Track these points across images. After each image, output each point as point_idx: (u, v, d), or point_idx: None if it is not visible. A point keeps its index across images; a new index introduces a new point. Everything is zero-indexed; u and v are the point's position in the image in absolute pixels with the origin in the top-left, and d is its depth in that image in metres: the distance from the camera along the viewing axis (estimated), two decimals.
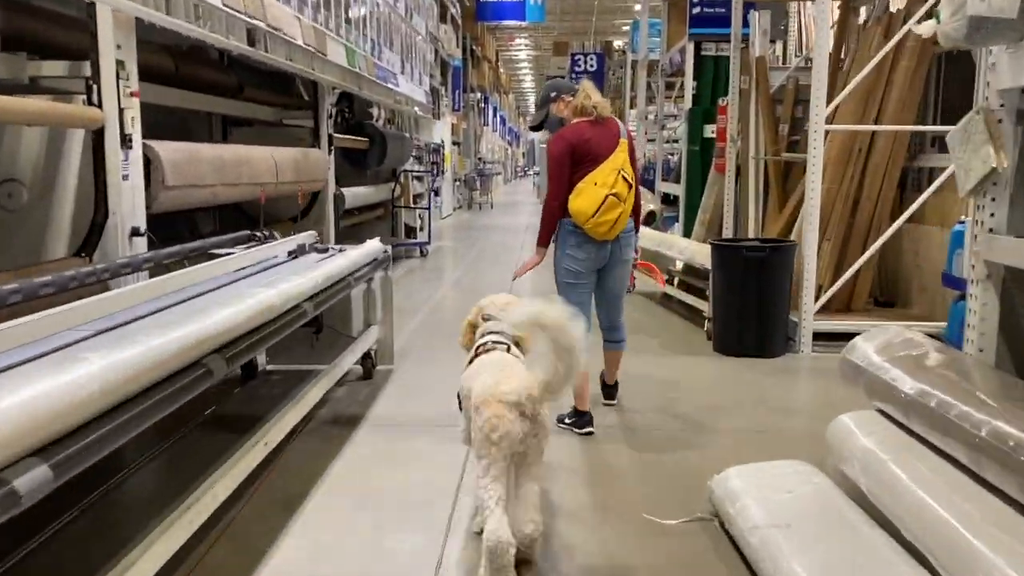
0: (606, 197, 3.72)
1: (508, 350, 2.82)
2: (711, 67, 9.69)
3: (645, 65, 14.87)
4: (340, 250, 4.81)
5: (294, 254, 4.59)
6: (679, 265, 7.67)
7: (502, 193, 33.06)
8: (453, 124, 20.72)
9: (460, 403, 2.84)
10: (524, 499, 2.50)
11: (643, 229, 8.30)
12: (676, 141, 13.21)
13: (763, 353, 5.26)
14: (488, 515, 2.37)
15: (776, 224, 6.89)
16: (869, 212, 5.93)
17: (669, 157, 12.15)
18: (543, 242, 3.94)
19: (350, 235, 11.39)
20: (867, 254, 5.54)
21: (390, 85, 8.91)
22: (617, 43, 24.35)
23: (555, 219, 3.88)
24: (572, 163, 3.81)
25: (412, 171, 12.34)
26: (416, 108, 10.68)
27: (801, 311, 5.38)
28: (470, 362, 2.87)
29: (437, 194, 17.75)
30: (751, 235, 7.20)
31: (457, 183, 21.96)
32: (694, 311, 6.51)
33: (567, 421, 4.00)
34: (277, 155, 6.66)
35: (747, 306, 5.22)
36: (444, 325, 6.56)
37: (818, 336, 5.44)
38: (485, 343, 2.87)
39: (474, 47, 24.35)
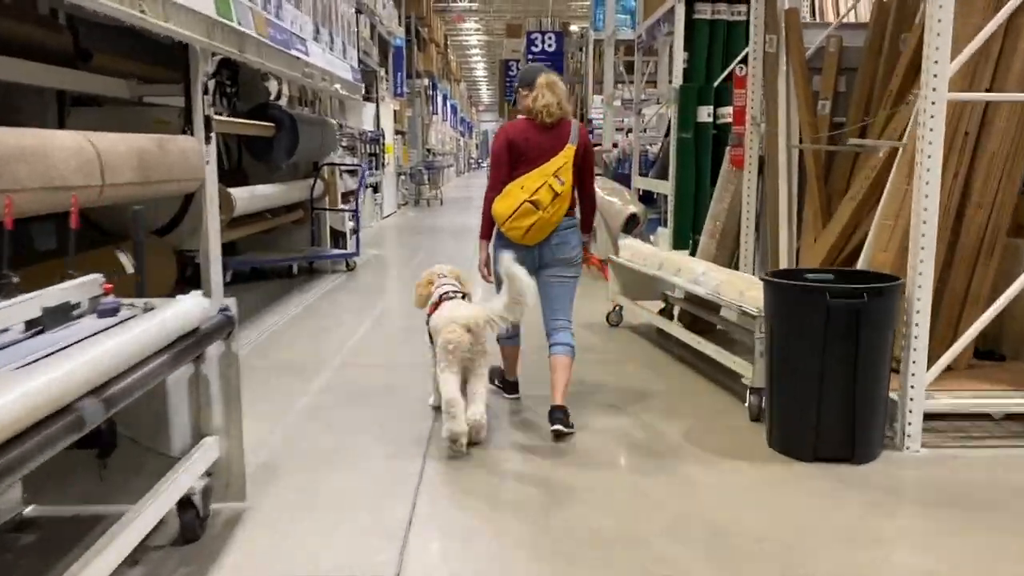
0: (522, 203, 3.73)
1: (463, 297, 3.92)
2: (705, 34, 7.75)
3: (612, 43, 13.01)
4: (146, 308, 2.72)
5: (37, 325, 2.47)
6: (677, 290, 5.70)
7: (454, 187, 30.83)
8: (396, 111, 18.51)
9: (431, 336, 3.85)
10: (474, 396, 3.61)
11: (629, 241, 6.35)
12: (644, 131, 11.35)
13: (853, 455, 3.31)
14: (448, 418, 3.50)
15: (819, 242, 4.99)
16: (980, 225, 4.04)
17: (648, 148, 10.21)
18: (483, 235, 4.02)
19: (260, 244, 9.22)
20: (1012, 289, 3.57)
21: (295, 53, 6.77)
22: (574, 27, 22.42)
23: (490, 212, 3.91)
24: (510, 159, 3.85)
25: (340, 164, 10.19)
26: (338, 86, 8.53)
27: (907, 384, 3.44)
28: (435, 307, 3.88)
29: (376, 190, 15.59)
30: (782, 254, 5.28)
31: (402, 177, 19.76)
32: (718, 368, 4.54)
33: (497, 383, 4.29)
34: (103, 143, 4.49)
35: (830, 381, 3.27)
36: (356, 398, 4.43)
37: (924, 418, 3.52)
38: (446, 293, 3.91)
39: (420, 27, 22.15)
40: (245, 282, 8.05)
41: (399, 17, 18.81)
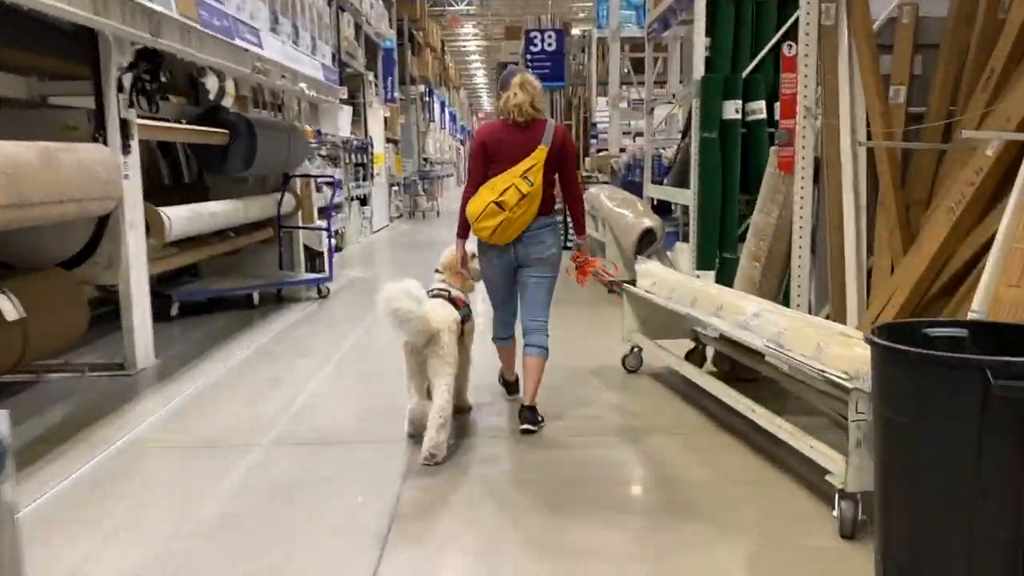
0: (488, 204, 3.79)
1: (447, 296, 3.88)
2: (730, 16, 6.61)
3: (617, 39, 11.92)
4: None
5: None
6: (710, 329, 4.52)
7: (454, 197, 29.61)
8: (387, 118, 17.38)
9: None
10: (433, 397, 3.56)
11: (649, 266, 5.18)
12: (655, 133, 10.21)
13: None
14: (409, 400, 3.73)
15: (900, 269, 3.83)
16: None
17: (661, 152, 9.05)
18: (459, 233, 4.04)
19: (225, 268, 8.08)
20: None
21: (241, 43, 5.63)
22: (576, 30, 21.36)
23: (465, 211, 3.95)
24: (486, 160, 3.89)
25: (312, 176, 9.04)
26: (303, 86, 7.40)
27: None
28: None
29: (365, 203, 14.45)
30: (850, 285, 4.09)
31: (395, 188, 18.61)
32: (774, 439, 3.35)
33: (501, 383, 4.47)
34: None
35: (988, 504, 2.09)
36: (281, 501, 3.24)
37: None
38: (431, 290, 3.92)
39: (413, 31, 21.05)
40: (206, 313, 6.88)
41: (390, 19, 17.73)
